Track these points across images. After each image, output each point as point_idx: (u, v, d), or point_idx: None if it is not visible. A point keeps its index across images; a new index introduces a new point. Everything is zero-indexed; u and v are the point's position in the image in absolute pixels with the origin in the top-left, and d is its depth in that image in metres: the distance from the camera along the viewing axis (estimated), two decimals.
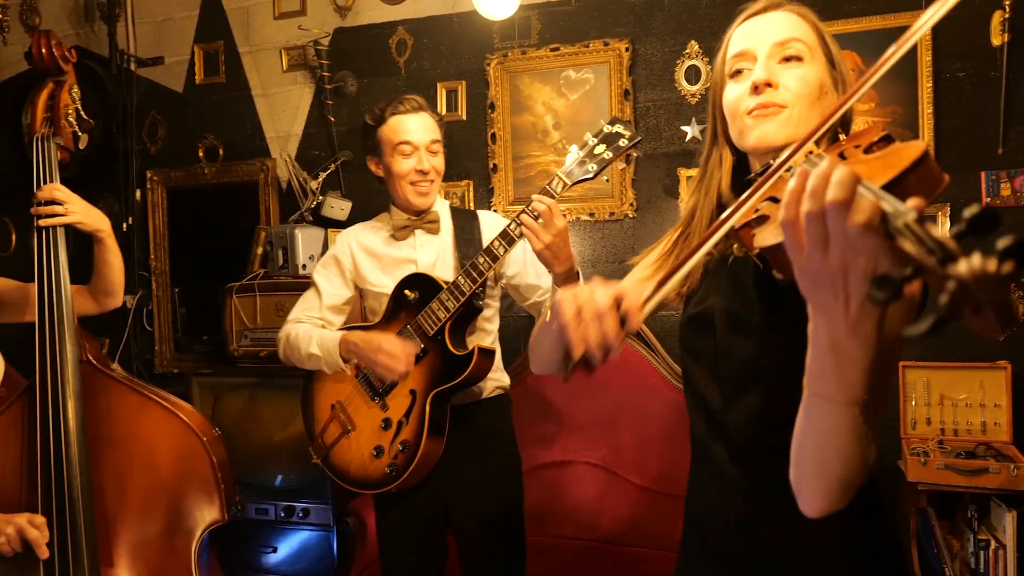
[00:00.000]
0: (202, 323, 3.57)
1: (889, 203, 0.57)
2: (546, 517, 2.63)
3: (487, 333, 2.08)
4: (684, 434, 2.71)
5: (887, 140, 0.82)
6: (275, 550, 2.92)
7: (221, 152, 3.56)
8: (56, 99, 1.70)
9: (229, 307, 3.10)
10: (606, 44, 3.06)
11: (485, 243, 2.01)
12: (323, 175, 3.30)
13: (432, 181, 2.01)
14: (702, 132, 2.95)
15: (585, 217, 3.11)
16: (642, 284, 1.05)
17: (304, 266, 3.10)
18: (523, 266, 2.05)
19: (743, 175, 1.07)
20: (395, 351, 1.86)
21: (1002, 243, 0.47)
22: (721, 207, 1.07)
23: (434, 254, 2.05)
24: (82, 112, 1.73)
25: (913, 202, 0.56)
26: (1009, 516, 2.44)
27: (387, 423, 1.95)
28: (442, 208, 2.12)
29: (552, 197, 1.75)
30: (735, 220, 0.85)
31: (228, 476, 1.68)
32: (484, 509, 2.02)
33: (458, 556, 2.07)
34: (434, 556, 2.05)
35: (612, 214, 3.09)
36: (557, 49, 3.12)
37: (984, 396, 2.62)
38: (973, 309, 0.48)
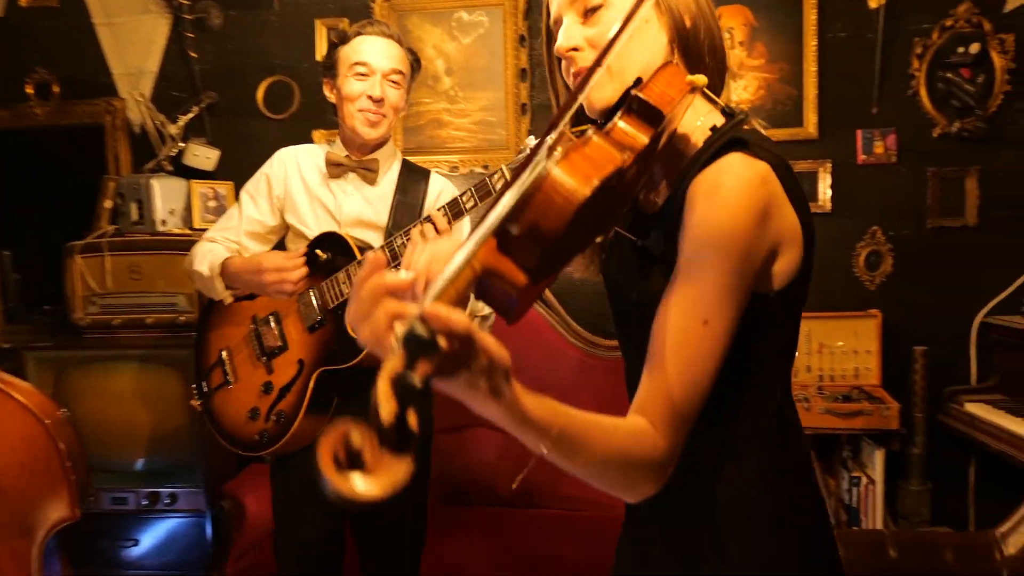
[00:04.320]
0: (41, 290, 3.09)
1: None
2: (443, 485, 2.50)
3: None
4: (584, 392, 2.69)
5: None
6: (136, 543, 2.60)
7: (56, 89, 3.06)
8: None
9: (72, 270, 2.69)
10: None
11: (425, 211, 1.85)
12: (184, 119, 2.91)
13: (384, 115, 1.79)
14: None
15: (479, 169, 2.94)
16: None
17: (164, 221, 2.73)
18: None
19: None
20: (280, 264, 1.70)
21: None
22: None
23: (361, 207, 1.84)
24: None
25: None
26: (879, 453, 2.59)
27: (268, 387, 1.80)
28: (390, 159, 1.90)
29: (489, 193, 1.61)
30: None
31: (80, 465, 1.41)
32: None
33: (353, 532, 1.91)
34: (329, 530, 1.87)
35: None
36: None
37: (857, 343, 2.74)
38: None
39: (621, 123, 0.78)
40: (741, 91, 2.83)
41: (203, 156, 2.87)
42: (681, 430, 0.78)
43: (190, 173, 2.90)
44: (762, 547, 0.91)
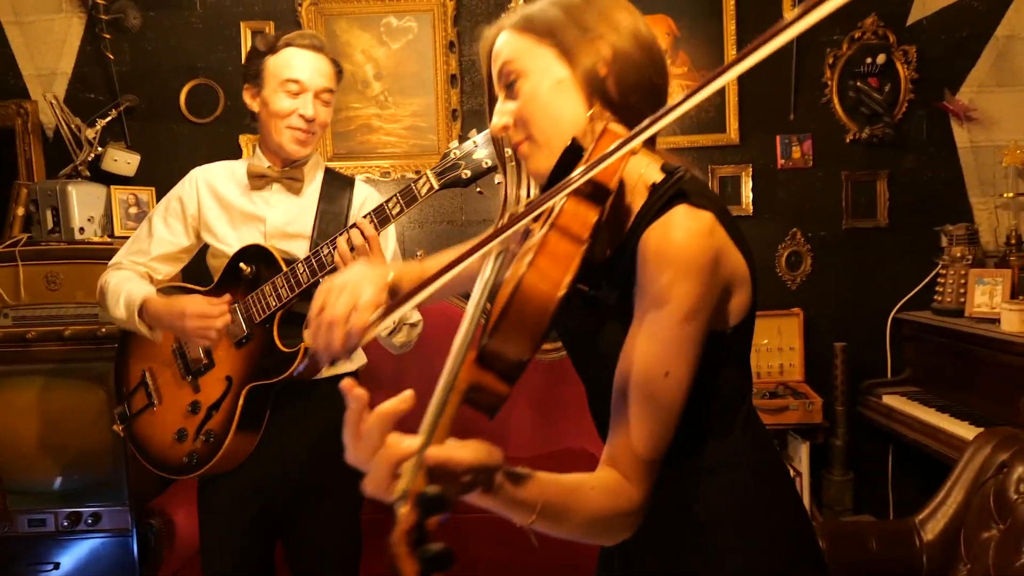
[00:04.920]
0: None
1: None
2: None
3: None
4: (519, 395, 2.71)
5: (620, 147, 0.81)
6: (57, 566, 2.47)
7: None
8: None
9: None
10: None
11: (350, 220, 1.79)
12: (102, 123, 2.80)
13: (314, 133, 1.74)
14: None
15: (411, 175, 2.93)
16: (412, 274, 1.09)
17: (82, 229, 2.62)
18: None
19: None
20: (204, 311, 1.61)
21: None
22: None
23: (286, 218, 1.78)
24: None
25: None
26: (804, 447, 2.70)
27: (195, 407, 1.72)
28: (314, 168, 1.84)
29: (415, 199, 1.59)
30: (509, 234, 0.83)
31: None
32: (315, 501, 1.79)
33: (284, 549, 1.85)
34: (258, 550, 1.81)
35: None
36: None
37: (781, 341, 2.85)
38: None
39: (569, 207, 0.78)
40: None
41: (123, 161, 2.77)
42: (652, 474, 0.82)
43: (109, 179, 2.79)
44: (754, 557, 0.94)
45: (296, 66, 1.70)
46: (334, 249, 1.59)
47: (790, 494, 1.02)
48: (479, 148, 1.61)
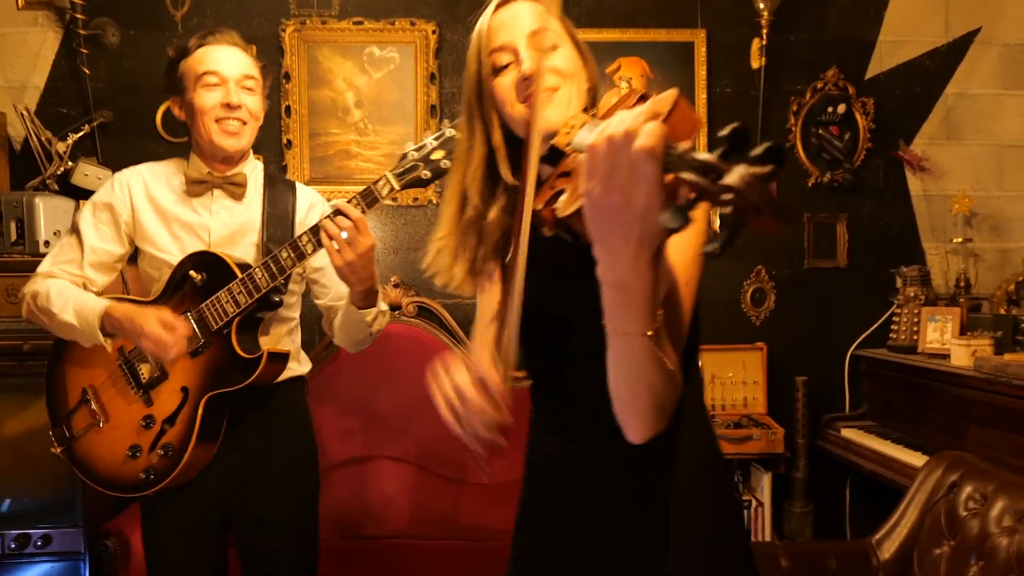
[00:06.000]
0: None
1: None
2: (345, 518, 2.43)
3: (285, 322, 1.81)
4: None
5: (644, 99, 0.89)
6: None
7: None
8: None
9: None
10: (413, 24, 2.94)
11: (299, 225, 1.78)
12: (74, 137, 2.76)
13: (244, 122, 1.69)
14: None
15: (388, 202, 2.93)
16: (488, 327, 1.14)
17: (47, 243, 2.56)
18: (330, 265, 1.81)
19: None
20: (160, 336, 1.55)
21: (757, 150, 0.57)
22: (490, 194, 1.11)
23: (231, 225, 1.74)
24: None
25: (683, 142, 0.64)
26: (766, 477, 2.76)
27: (149, 421, 1.65)
28: (253, 172, 1.80)
29: (375, 200, 1.58)
30: (537, 204, 0.89)
31: None
32: (271, 509, 1.74)
33: (240, 563, 1.80)
34: (212, 566, 1.75)
35: (416, 199, 2.98)
36: (361, 23, 2.93)
37: (746, 374, 2.93)
38: (753, 212, 0.56)
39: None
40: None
41: (93, 176, 2.73)
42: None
43: (77, 193, 2.74)
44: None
45: (210, 59, 1.67)
46: (316, 240, 1.56)
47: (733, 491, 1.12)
48: (436, 149, 1.60)
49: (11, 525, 2.35)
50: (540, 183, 0.93)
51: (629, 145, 0.64)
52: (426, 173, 1.59)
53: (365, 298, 1.64)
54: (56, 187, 2.72)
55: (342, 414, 2.79)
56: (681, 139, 0.65)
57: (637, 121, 0.64)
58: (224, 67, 1.66)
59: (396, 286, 2.95)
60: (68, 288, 1.66)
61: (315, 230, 1.58)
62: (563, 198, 0.82)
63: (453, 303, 2.95)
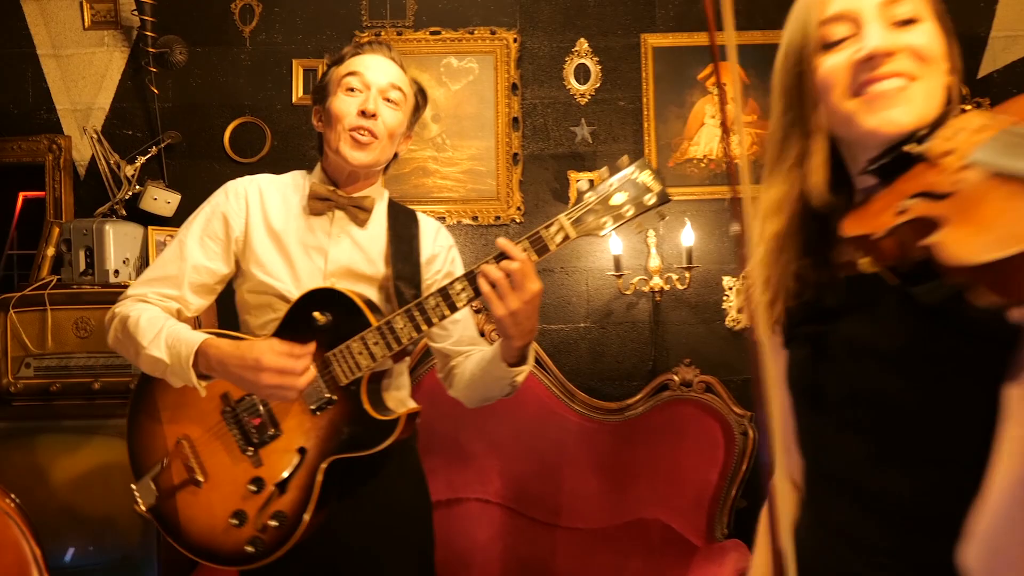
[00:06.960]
0: None
1: None
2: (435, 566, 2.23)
3: (399, 374, 1.60)
4: (585, 460, 2.49)
5: None
6: None
7: None
8: None
9: (3, 326, 2.32)
10: (493, 32, 2.78)
11: (424, 259, 1.58)
12: (142, 159, 2.62)
13: (377, 136, 1.49)
14: (592, 134, 2.76)
15: (468, 221, 2.77)
16: None
17: (117, 272, 2.41)
18: (469, 312, 1.60)
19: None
20: (285, 365, 1.34)
21: None
22: (809, 211, 0.88)
23: (351, 253, 1.54)
24: None
25: None
26: None
27: (259, 484, 1.43)
28: (380, 199, 1.61)
29: (545, 249, 1.33)
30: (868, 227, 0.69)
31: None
32: (387, 569, 1.54)
33: None
34: None
35: (498, 218, 2.78)
36: (438, 33, 2.77)
37: None
38: None
39: None
40: (735, 145, 2.80)
41: (162, 200, 2.58)
42: None
43: (146, 219, 2.60)
44: None
45: (358, 63, 1.51)
46: (449, 299, 1.35)
47: None
48: (617, 191, 1.32)
49: None
50: (867, 196, 0.73)
51: None
52: (606, 221, 1.33)
53: (519, 357, 1.42)
54: (124, 213, 2.58)
55: (424, 453, 2.59)
56: None
57: None
58: (370, 73, 1.50)
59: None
60: (161, 317, 1.46)
61: (471, 276, 1.34)
62: (953, 232, 0.58)
63: (542, 328, 2.75)
